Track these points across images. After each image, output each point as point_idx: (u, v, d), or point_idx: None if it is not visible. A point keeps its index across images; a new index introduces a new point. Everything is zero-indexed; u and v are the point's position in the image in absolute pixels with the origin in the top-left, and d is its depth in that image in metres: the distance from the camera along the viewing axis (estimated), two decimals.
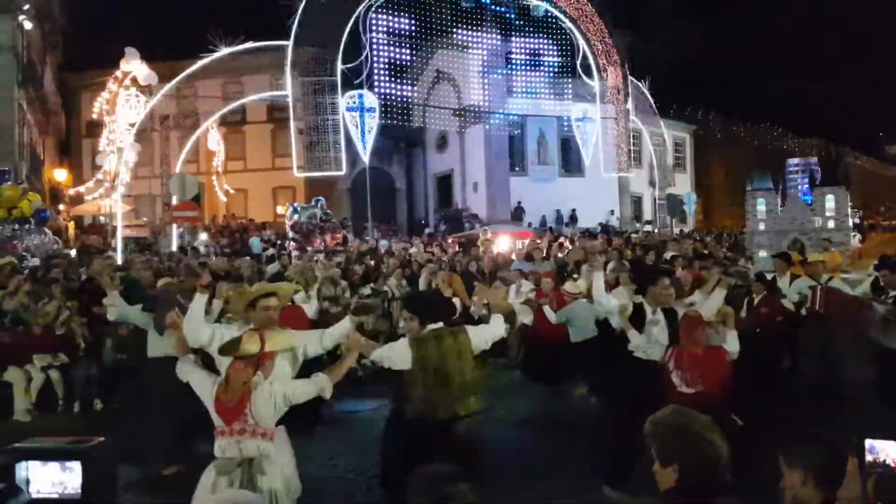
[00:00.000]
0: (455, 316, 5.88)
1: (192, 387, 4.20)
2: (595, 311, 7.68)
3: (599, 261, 6.95)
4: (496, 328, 4.93)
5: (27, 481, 1.68)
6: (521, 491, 5.47)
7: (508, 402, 8.46)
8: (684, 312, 5.70)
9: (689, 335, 5.21)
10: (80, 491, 1.68)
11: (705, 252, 14.66)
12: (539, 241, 19.66)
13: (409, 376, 4.64)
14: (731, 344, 5.32)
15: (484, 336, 4.84)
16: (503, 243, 19.66)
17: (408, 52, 26.38)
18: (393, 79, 25.49)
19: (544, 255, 15.51)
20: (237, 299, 4.79)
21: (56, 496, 1.68)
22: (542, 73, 29.14)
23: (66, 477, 1.69)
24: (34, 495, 1.68)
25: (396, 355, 4.62)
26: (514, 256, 15.35)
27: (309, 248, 19.56)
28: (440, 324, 4.77)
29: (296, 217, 24.54)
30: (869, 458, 2.28)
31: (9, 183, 16.63)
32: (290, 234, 23.00)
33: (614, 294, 7.10)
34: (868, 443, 2.31)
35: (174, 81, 22.31)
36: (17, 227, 14.96)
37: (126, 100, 20.81)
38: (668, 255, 13.60)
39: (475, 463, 4.46)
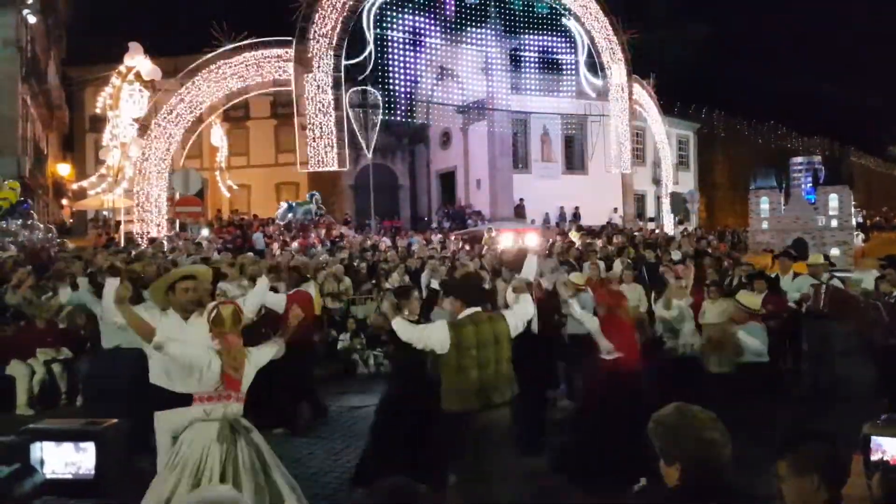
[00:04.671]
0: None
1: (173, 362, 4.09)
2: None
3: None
4: (526, 307, 4.84)
5: (42, 462, 1.69)
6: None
7: None
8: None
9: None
10: (93, 471, 1.69)
11: (708, 251, 14.69)
12: (543, 239, 19.61)
13: (443, 360, 4.50)
14: None
15: (518, 318, 4.75)
16: (506, 240, 19.63)
17: (412, 48, 26.34)
18: (396, 75, 25.46)
19: (547, 252, 15.48)
20: (155, 287, 4.76)
21: (70, 476, 1.68)
22: (545, 70, 29.09)
23: (80, 457, 1.69)
24: (48, 475, 1.68)
25: (435, 337, 4.48)
26: None
27: (309, 241, 19.54)
28: (478, 308, 4.63)
29: (290, 216, 24.51)
30: (873, 455, 2.28)
31: None
32: (285, 234, 22.96)
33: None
34: (873, 440, 2.31)
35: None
36: (8, 221, 14.78)
37: (129, 94, 20.78)
38: (673, 253, 13.61)
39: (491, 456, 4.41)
